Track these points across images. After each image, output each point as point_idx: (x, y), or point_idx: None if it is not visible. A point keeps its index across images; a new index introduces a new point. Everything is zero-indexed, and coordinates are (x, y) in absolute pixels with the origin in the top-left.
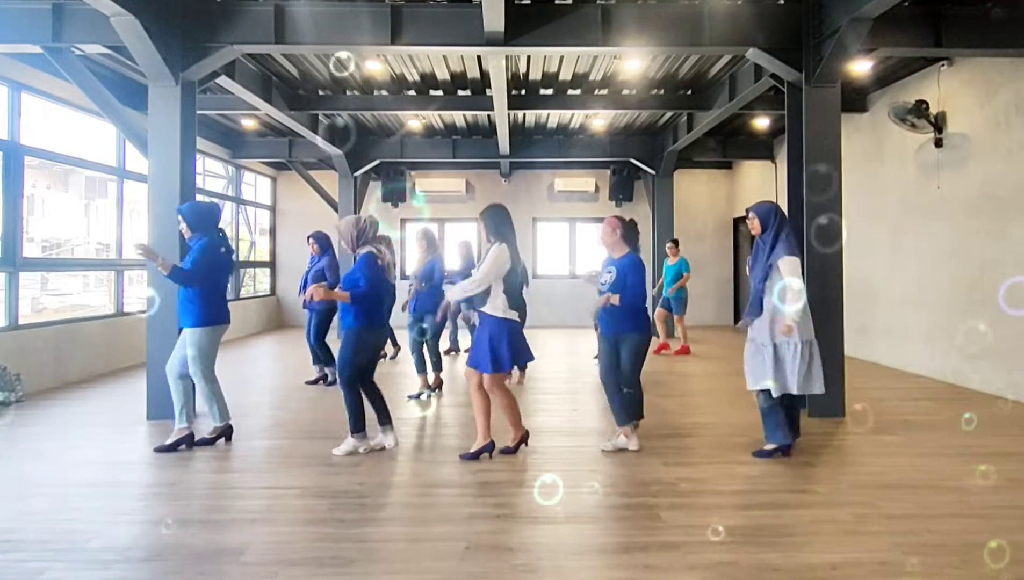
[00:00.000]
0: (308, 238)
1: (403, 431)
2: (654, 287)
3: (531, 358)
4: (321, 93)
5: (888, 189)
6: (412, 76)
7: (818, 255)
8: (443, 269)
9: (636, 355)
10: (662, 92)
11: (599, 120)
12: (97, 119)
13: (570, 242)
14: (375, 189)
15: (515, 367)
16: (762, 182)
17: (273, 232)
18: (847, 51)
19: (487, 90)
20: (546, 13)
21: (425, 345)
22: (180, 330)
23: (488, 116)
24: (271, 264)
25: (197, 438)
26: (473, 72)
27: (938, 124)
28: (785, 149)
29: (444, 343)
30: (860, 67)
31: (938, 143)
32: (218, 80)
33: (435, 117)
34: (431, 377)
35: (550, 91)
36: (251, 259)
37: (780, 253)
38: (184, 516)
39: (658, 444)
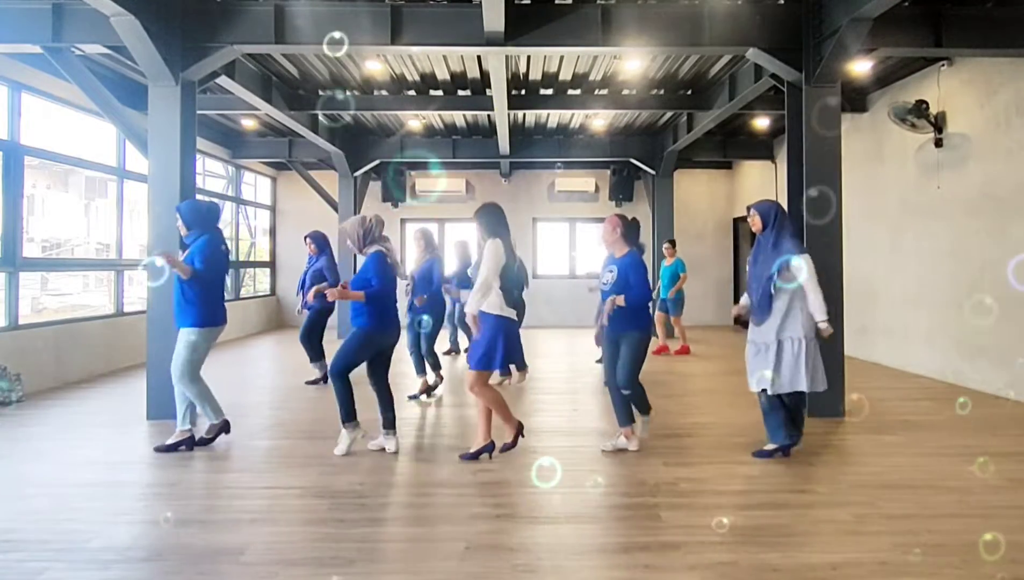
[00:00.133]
0: (305, 238)
1: (403, 431)
2: (653, 288)
3: (524, 366)
4: (321, 93)
5: (888, 189)
6: (412, 76)
7: (818, 255)
8: (442, 269)
9: (635, 353)
10: (662, 92)
11: (599, 120)
12: (97, 119)
13: (570, 242)
14: (374, 189)
15: (514, 368)
16: (762, 182)
17: (273, 232)
18: (847, 51)
19: (487, 90)
20: (546, 13)
21: (422, 346)
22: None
23: (488, 116)
24: (271, 264)
25: (196, 439)
26: (473, 72)
27: (938, 124)
28: (785, 149)
29: (444, 344)
30: (860, 67)
31: (938, 143)
32: (218, 80)
33: (435, 117)
34: (431, 378)
35: (550, 91)
36: (251, 259)
37: (791, 253)
38: (184, 516)
39: (658, 444)
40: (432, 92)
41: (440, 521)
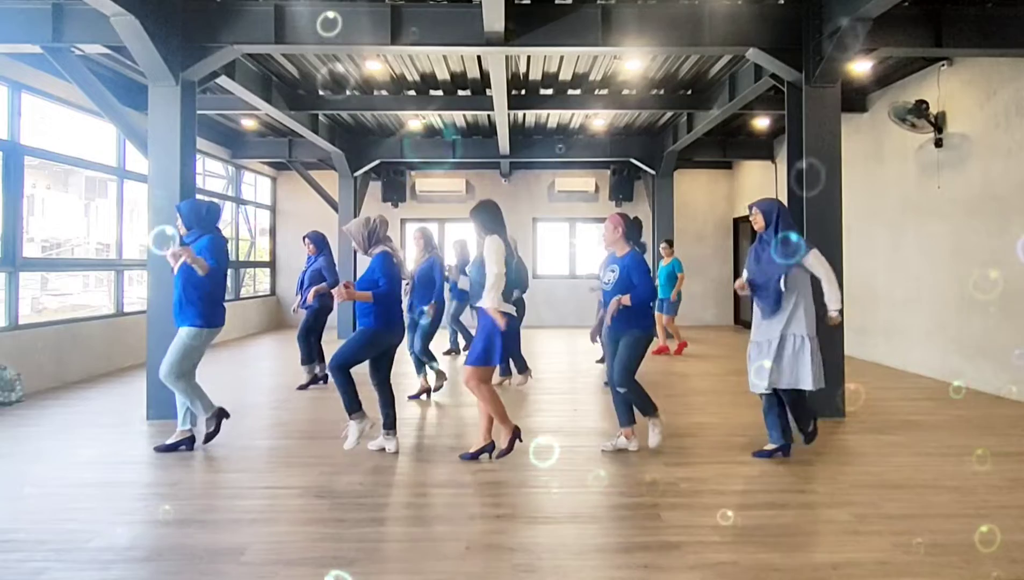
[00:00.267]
0: (304, 238)
1: (403, 431)
2: None
3: (526, 369)
4: (321, 93)
5: (888, 189)
6: (412, 76)
7: None
8: (442, 268)
9: (632, 352)
10: (662, 92)
11: (599, 120)
12: (97, 119)
13: (570, 242)
14: (375, 189)
15: (515, 370)
16: (762, 182)
17: (273, 232)
18: (847, 51)
19: (487, 90)
20: (546, 13)
21: (416, 345)
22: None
23: (488, 116)
24: (271, 264)
25: (202, 434)
26: (473, 72)
27: (938, 124)
28: (785, 149)
29: (444, 344)
30: (860, 67)
31: (938, 143)
32: (218, 80)
33: (435, 117)
34: (431, 379)
35: (550, 91)
36: (251, 259)
37: (801, 248)
38: (184, 516)
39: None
40: (432, 92)
41: (440, 521)
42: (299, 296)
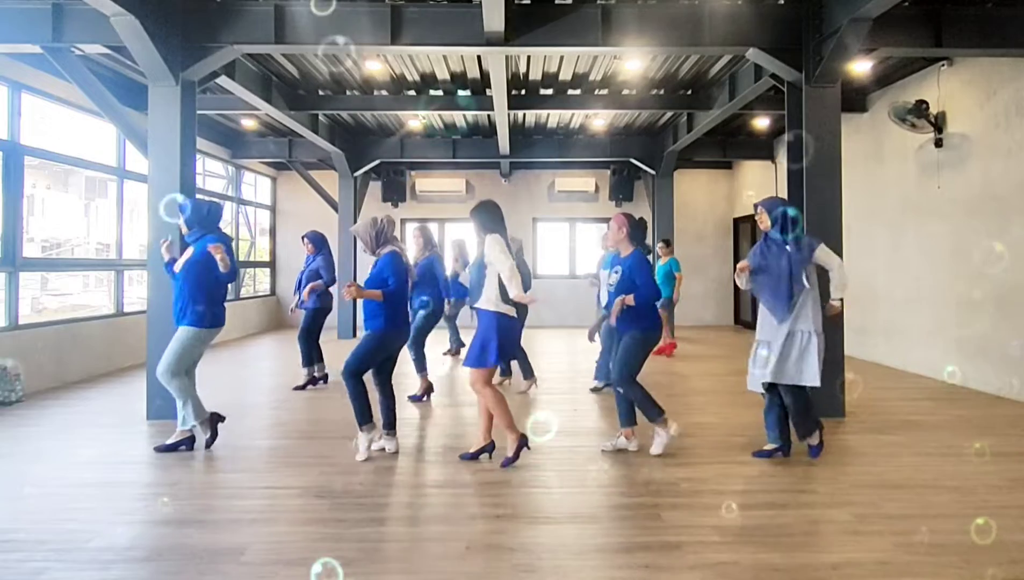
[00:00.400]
0: (303, 238)
1: (403, 431)
2: None
3: (531, 375)
4: (321, 93)
5: (888, 189)
6: (412, 76)
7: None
8: (442, 266)
9: (632, 352)
10: (662, 92)
11: (599, 120)
12: (97, 119)
13: (570, 242)
14: (375, 189)
15: (521, 377)
16: (762, 182)
17: (273, 232)
18: (847, 51)
19: (487, 90)
20: (546, 13)
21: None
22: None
23: (488, 116)
24: (271, 264)
25: (200, 439)
26: (473, 72)
27: (938, 124)
28: (785, 149)
29: (444, 344)
30: (860, 67)
31: (938, 143)
32: (218, 80)
33: (435, 117)
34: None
35: (550, 91)
36: (251, 259)
37: (813, 244)
38: (184, 516)
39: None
40: (432, 92)
41: (440, 521)
42: (296, 296)
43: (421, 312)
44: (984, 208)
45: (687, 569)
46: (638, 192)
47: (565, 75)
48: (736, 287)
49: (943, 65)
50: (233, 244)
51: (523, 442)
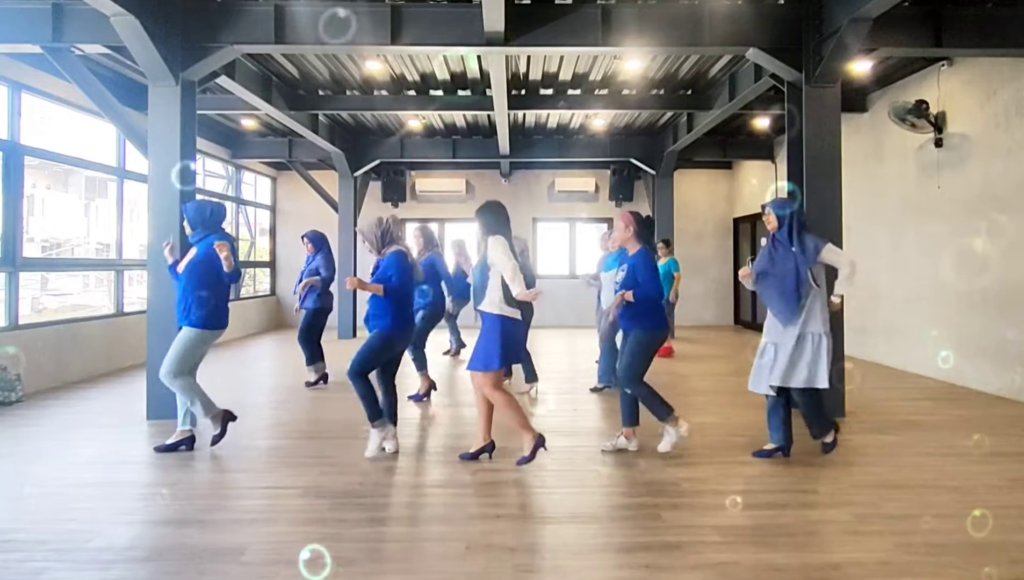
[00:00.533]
0: (302, 237)
1: (403, 431)
2: None
3: (534, 378)
4: (321, 93)
5: (888, 189)
6: (412, 76)
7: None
8: (444, 265)
9: (637, 352)
10: (662, 92)
11: (599, 120)
12: (97, 119)
13: (570, 242)
14: (375, 189)
15: (524, 380)
16: (762, 182)
17: (273, 232)
18: (847, 51)
19: (487, 90)
20: (546, 13)
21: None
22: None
23: (488, 116)
24: (271, 264)
25: (211, 437)
26: (473, 72)
27: (938, 124)
28: (785, 149)
29: (445, 345)
30: (860, 67)
31: (938, 143)
32: (218, 80)
33: (435, 117)
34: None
35: (550, 91)
36: (251, 259)
37: (819, 245)
38: (184, 516)
39: (658, 443)
40: (432, 92)
41: (440, 521)
42: (297, 296)
43: (421, 312)
44: (984, 208)
45: (688, 569)
46: (638, 192)
47: (565, 75)
48: (736, 287)
49: (943, 65)
50: (234, 244)
51: (540, 442)
